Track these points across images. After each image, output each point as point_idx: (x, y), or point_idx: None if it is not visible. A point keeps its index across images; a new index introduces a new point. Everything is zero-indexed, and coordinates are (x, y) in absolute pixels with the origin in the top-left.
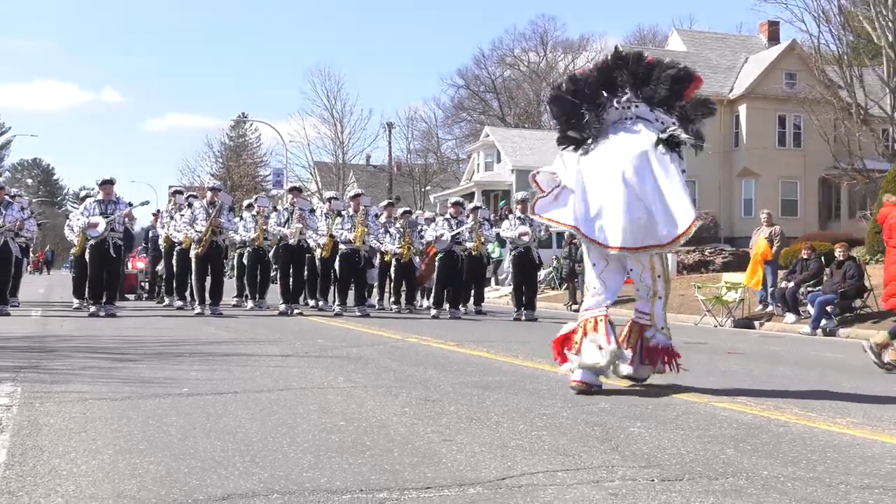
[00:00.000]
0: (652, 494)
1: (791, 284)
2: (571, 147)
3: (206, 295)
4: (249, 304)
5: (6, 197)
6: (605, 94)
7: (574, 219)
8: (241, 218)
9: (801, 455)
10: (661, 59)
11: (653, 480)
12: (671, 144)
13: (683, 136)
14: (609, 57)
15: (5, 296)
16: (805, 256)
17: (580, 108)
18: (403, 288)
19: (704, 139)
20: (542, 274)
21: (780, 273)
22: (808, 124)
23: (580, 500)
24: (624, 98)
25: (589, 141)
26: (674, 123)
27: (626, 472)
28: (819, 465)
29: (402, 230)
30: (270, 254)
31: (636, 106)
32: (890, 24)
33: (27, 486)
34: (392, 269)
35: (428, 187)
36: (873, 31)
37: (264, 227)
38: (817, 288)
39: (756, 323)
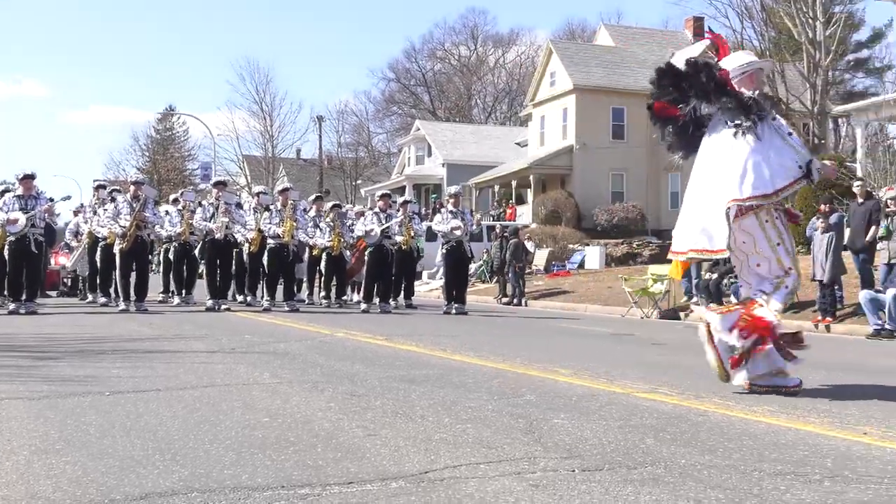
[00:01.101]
0: (572, 485)
1: (714, 276)
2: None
3: (131, 291)
4: (176, 299)
5: None
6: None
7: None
8: (167, 212)
9: (719, 443)
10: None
11: (573, 471)
12: (740, 129)
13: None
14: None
15: None
16: None
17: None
18: (334, 282)
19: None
20: (472, 267)
21: (704, 265)
22: None
23: (501, 491)
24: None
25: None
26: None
27: (548, 463)
28: (735, 453)
29: (331, 224)
30: (197, 249)
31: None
32: (810, 20)
33: None
34: (322, 263)
35: (359, 181)
36: (794, 28)
37: (190, 221)
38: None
39: (681, 314)
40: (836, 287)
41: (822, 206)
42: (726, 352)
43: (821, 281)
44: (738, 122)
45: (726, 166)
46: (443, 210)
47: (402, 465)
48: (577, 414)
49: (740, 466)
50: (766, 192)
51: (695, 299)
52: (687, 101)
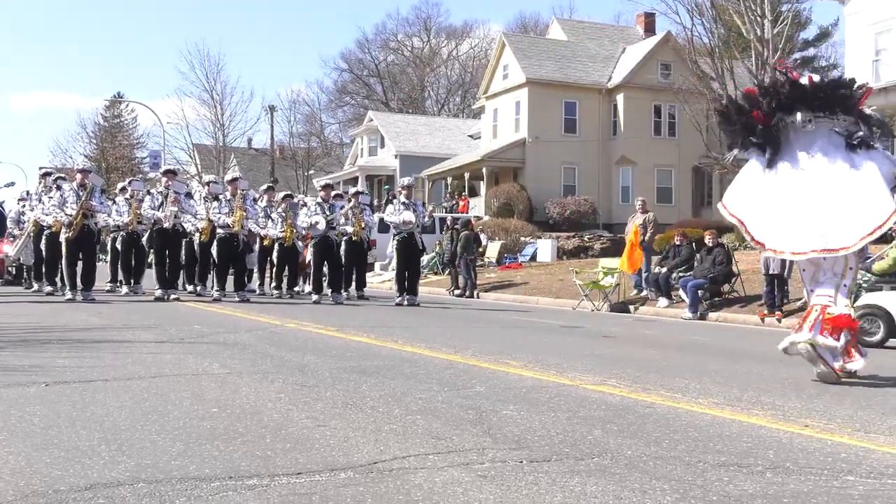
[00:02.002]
0: (520, 475)
1: (664, 270)
2: (754, 155)
3: (78, 280)
4: (124, 289)
5: None
6: (781, 115)
7: (772, 240)
8: (114, 202)
9: (664, 435)
10: (827, 80)
11: (521, 462)
12: (860, 145)
13: (867, 134)
14: (779, 83)
15: None
16: (677, 243)
17: (754, 125)
18: (285, 273)
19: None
20: (424, 259)
21: (654, 259)
22: (682, 114)
23: (450, 482)
24: (800, 117)
25: (770, 152)
26: (855, 124)
27: (497, 454)
28: (680, 445)
29: (283, 214)
30: (144, 238)
31: (816, 121)
32: (758, 18)
33: None
34: (274, 253)
35: (311, 171)
36: (743, 26)
37: (138, 210)
38: (688, 273)
39: (631, 307)
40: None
41: None
42: (831, 356)
43: (772, 275)
44: (861, 134)
45: (859, 178)
46: (395, 201)
47: (352, 455)
48: (527, 405)
49: (685, 458)
50: (879, 225)
51: (644, 292)
52: (793, 112)
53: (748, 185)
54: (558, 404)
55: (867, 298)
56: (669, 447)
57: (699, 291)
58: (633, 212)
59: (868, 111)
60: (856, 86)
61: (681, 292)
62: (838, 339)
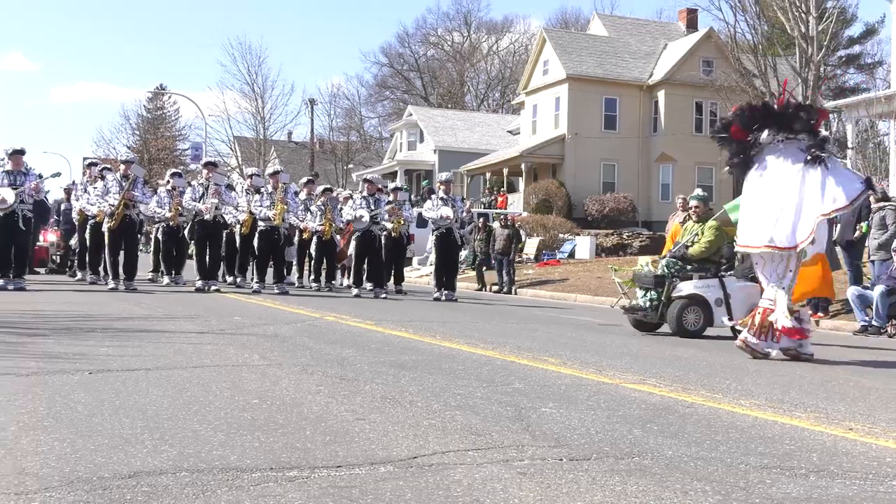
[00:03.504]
0: (559, 473)
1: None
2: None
3: (120, 270)
4: (165, 279)
5: None
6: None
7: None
8: (156, 192)
9: (705, 435)
10: (791, 102)
11: (561, 460)
12: (816, 160)
13: (823, 153)
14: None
15: None
16: None
17: (750, 142)
18: (324, 266)
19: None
20: (462, 254)
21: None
22: (723, 111)
23: (489, 478)
24: (764, 135)
25: (741, 162)
26: (814, 142)
27: (536, 451)
28: (721, 446)
29: (322, 208)
30: (186, 229)
31: (784, 138)
32: (803, 14)
33: None
34: (312, 246)
35: (350, 165)
36: (787, 22)
37: (179, 205)
38: (729, 272)
39: None
40: None
41: None
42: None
43: None
44: (817, 153)
45: (806, 186)
46: (434, 197)
47: (391, 450)
48: (566, 403)
49: (726, 459)
50: (844, 205)
51: None
52: (762, 130)
53: (744, 194)
54: (597, 402)
55: (684, 288)
56: (710, 448)
57: None
58: (673, 209)
59: (822, 132)
60: (813, 110)
61: None
62: (779, 342)
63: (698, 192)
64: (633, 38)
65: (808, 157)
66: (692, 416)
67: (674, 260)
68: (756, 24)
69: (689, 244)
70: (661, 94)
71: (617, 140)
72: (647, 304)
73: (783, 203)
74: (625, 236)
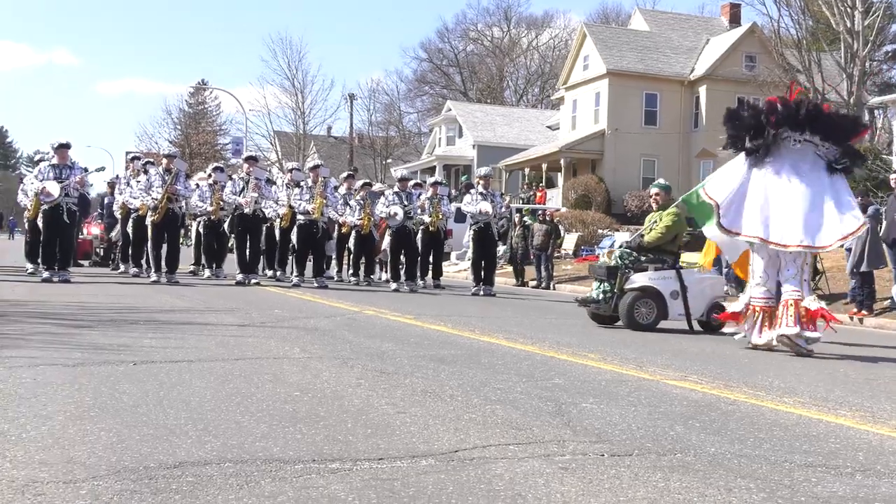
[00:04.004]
0: (601, 469)
1: None
2: (743, 153)
3: (162, 263)
4: (206, 273)
5: None
6: (787, 128)
7: (755, 229)
8: (198, 186)
9: (748, 433)
10: (837, 110)
11: (603, 455)
12: (842, 170)
13: (846, 161)
14: (800, 102)
15: None
16: None
17: (764, 129)
18: (362, 260)
19: (864, 158)
20: (501, 249)
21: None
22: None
23: (531, 473)
24: (799, 133)
25: (760, 153)
26: (839, 153)
27: (577, 446)
28: (765, 443)
29: (361, 202)
30: (226, 223)
31: (809, 139)
32: (848, 9)
33: None
34: (351, 241)
35: (389, 160)
36: (832, 17)
37: (220, 200)
38: None
39: None
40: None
41: (858, 199)
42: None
43: (858, 273)
44: (845, 162)
45: (833, 194)
46: (472, 191)
47: (432, 443)
48: (606, 399)
49: (770, 457)
50: (854, 230)
51: (725, 288)
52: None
53: (731, 178)
54: (638, 398)
55: (637, 280)
56: (754, 445)
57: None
58: None
59: (855, 146)
60: (860, 124)
61: None
62: (816, 329)
63: (661, 181)
64: (675, 33)
65: (839, 167)
66: (735, 413)
67: (628, 251)
68: (800, 19)
69: (644, 233)
70: (702, 90)
71: (657, 135)
72: (601, 296)
73: (818, 204)
74: None
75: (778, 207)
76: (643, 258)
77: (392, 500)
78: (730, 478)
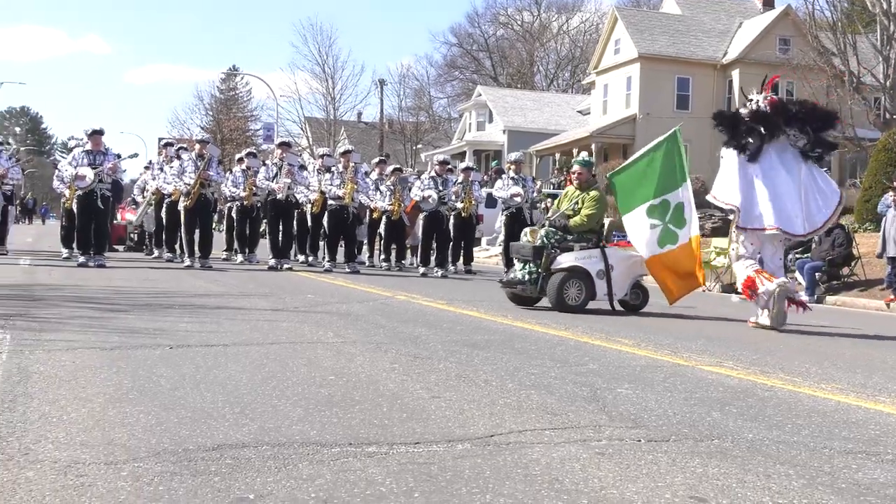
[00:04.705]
0: (638, 454)
1: None
2: (735, 150)
3: (196, 248)
4: (239, 258)
5: None
6: (783, 127)
7: (770, 220)
8: (231, 171)
9: (786, 419)
10: (811, 103)
11: (639, 441)
12: (814, 158)
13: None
14: (788, 103)
15: None
16: None
17: (754, 128)
18: (393, 246)
19: (836, 147)
20: None
21: None
22: (800, 91)
23: (567, 458)
24: (792, 132)
25: (749, 150)
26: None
27: (613, 431)
28: (804, 430)
29: (392, 188)
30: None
31: (795, 134)
32: None
33: (17, 432)
34: (382, 226)
35: (419, 146)
36: None
37: (253, 185)
38: (805, 255)
39: None
40: None
41: (894, 183)
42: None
43: (892, 258)
44: (819, 152)
45: (811, 187)
46: (504, 176)
47: (468, 428)
48: (642, 384)
49: (809, 443)
50: (829, 216)
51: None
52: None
53: (734, 177)
54: (674, 384)
55: (564, 260)
56: (792, 432)
57: (817, 274)
58: None
59: (829, 137)
60: (834, 116)
61: (797, 275)
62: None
63: (583, 155)
64: (708, 17)
65: (813, 156)
66: (772, 399)
67: (553, 230)
68: (835, 1)
69: (569, 213)
70: (735, 74)
71: (689, 120)
72: (526, 276)
73: (794, 192)
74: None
75: (780, 197)
76: (569, 237)
77: (429, 483)
78: (769, 464)
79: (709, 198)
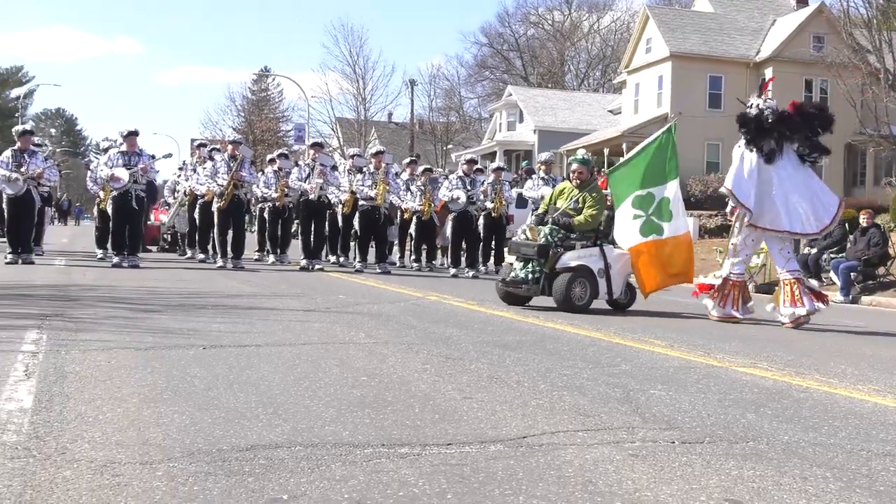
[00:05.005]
0: (672, 456)
1: (814, 250)
2: (755, 149)
3: (228, 248)
4: (271, 258)
5: (31, 146)
6: (792, 132)
7: (779, 222)
8: (263, 172)
9: (823, 421)
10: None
11: (673, 442)
12: (808, 160)
13: (816, 154)
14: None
15: (29, 244)
16: None
17: (772, 131)
18: (424, 246)
19: (829, 152)
20: None
21: (803, 240)
22: (834, 89)
23: (601, 460)
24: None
25: (765, 150)
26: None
27: (647, 433)
28: (840, 432)
29: (422, 188)
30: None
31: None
32: None
33: (54, 432)
34: (413, 226)
35: (450, 146)
36: None
37: (285, 184)
38: (840, 255)
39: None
40: None
41: None
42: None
43: None
44: (815, 156)
45: (812, 187)
46: (534, 177)
47: (500, 429)
48: (675, 386)
49: (846, 445)
50: (827, 223)
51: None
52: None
53: (752, 177)
54: (707, 385)
55: (568, 260)
56: (829, 434)
57: (852, 274)
58: None
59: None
60: (831, 119)
61: (832, 274)
62: (826, 303)
63: (581, 154)
64: (740, 14)
65: (810, 161)
66: (807, 400)
67: (556, 227)
68: None
69: (570, 211)
70: (768, 72)
71: (722, 119)
72: (529, 276)
73: (803, 193)
74: (729, 217)
75: (788, 198)
76: (572, 235)
77: (462, 485)
78: (805, 466)
79: (722, 189)
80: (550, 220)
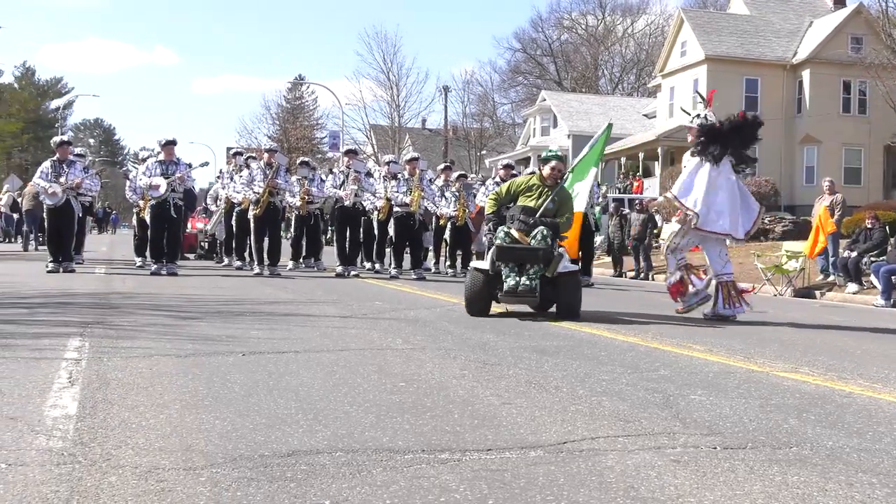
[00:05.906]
0: (715, 462)
1: (854, 254)
2: (707, 156)
3: (265, 256)
4: (290, 265)
5: (70, 156)
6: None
7: (723, 226)
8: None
9: (867, 426)
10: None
11: (715, 448)
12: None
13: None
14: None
15: (70, 253)
16: (869, 226)
17: (729, 140)
18: (459, 252)
19: (752, 163)
20: (598, 239)
21: (843, 242)
22: (873, 90)
23: (642, 465)
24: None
25: (714, 158)
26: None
27: (688, 439)
28: (885, 437)
29: (457, 194)
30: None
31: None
32: None
33: (99, 438)
34: (447, 232)
35: (483, 151)
36: None
37: (307, 193)
38: (881, 258)
39: (817, 292)
40: None
41: None
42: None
43: None
44: (743, 167)
45: (742, 193)
46: (489, 182)
47: (540, 434)
48: (715, 391)
49: (892, 451)
50: (749, 228)
51: (832, 277)
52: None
53: (702, 184)
54: (748, 391)
55: (567, 263)
56: (874, 439)
57: (893, 278)
58: (818, 193)
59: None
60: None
61: (872, 278)
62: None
63: (555, 149)
64: (776, 17)
65: (739, 170)
66: (851, 405)
67: (549, 230)
68: None
69: (550, 212)
70: (805, 74)
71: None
72: (533, 283)
73: (736, 200)
74: (767, 221)
75: (729, 204)
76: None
77: (503, 491)
78: (850, 472)
79: (668, 195)
80: (540, 222)
